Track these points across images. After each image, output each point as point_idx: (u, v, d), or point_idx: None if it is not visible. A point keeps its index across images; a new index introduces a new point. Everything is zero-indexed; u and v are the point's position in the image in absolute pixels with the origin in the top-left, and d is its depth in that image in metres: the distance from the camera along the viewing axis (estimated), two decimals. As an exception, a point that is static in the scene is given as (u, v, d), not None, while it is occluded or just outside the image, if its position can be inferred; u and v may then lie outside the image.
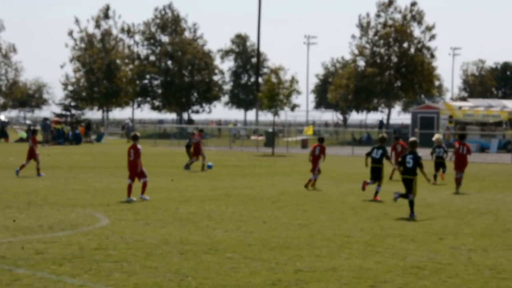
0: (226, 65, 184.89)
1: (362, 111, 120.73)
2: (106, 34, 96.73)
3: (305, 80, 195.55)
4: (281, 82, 51.44)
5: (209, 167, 33.48)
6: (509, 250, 13.98)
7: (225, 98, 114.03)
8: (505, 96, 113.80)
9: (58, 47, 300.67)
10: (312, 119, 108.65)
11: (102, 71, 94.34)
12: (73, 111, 74.63)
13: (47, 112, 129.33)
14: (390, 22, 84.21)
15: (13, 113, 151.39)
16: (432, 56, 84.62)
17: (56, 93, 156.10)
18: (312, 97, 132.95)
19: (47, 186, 24.80)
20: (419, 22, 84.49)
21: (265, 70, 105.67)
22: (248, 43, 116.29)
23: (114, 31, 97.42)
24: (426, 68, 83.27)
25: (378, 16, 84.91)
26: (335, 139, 77.05)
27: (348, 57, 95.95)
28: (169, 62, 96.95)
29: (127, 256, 12.74)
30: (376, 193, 22.28)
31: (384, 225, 16.86)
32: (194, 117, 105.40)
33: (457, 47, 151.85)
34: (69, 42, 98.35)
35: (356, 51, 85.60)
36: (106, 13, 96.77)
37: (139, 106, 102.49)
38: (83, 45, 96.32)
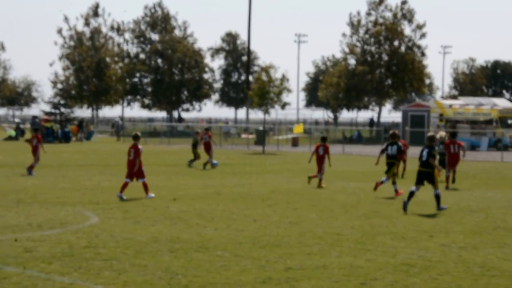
0: (216, 63, 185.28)
1: (353, 109, 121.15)
2: (96, 32, 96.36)
3: (295, 78, 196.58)
4: (271, 80, 51.42)
5: (215, 165, 33.58)
6: (499, 247, 14.00)
7: (216, 96, 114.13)
8: (495, 94, 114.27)
9: (47, 45, 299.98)
10: (302, 117, 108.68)
11: (92, 69, 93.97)
12: (63, 109, 74.46)
13: (36, 110, 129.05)
14: (380, 20, 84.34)
15: (2, 111, 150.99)
16: (423, 54, 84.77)
17: (45, 91, 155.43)
18: (302, 95, 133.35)
19: (36, 184, 24.69)
20: (410, 21, 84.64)
21: (256, 68, 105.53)
22: (238, 41, 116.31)
23: (104, 29, 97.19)
24: (417, 66, 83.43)
25: (368, 14, 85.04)
26: (325, 137, 76.87)
27: (338, 55, 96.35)
28: (159, 60, 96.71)
29: (117, 254, 12.69)
30: (381, 182, 22.62)
31: (374, 223, 16.86)
32: (184, 115, 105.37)
33: (447, 45, 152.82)
34: (58, 40, 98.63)
35: (347, 50, 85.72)
36: (95, 11, 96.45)
37: (129, 104, 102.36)
38: (72, 43, 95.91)
